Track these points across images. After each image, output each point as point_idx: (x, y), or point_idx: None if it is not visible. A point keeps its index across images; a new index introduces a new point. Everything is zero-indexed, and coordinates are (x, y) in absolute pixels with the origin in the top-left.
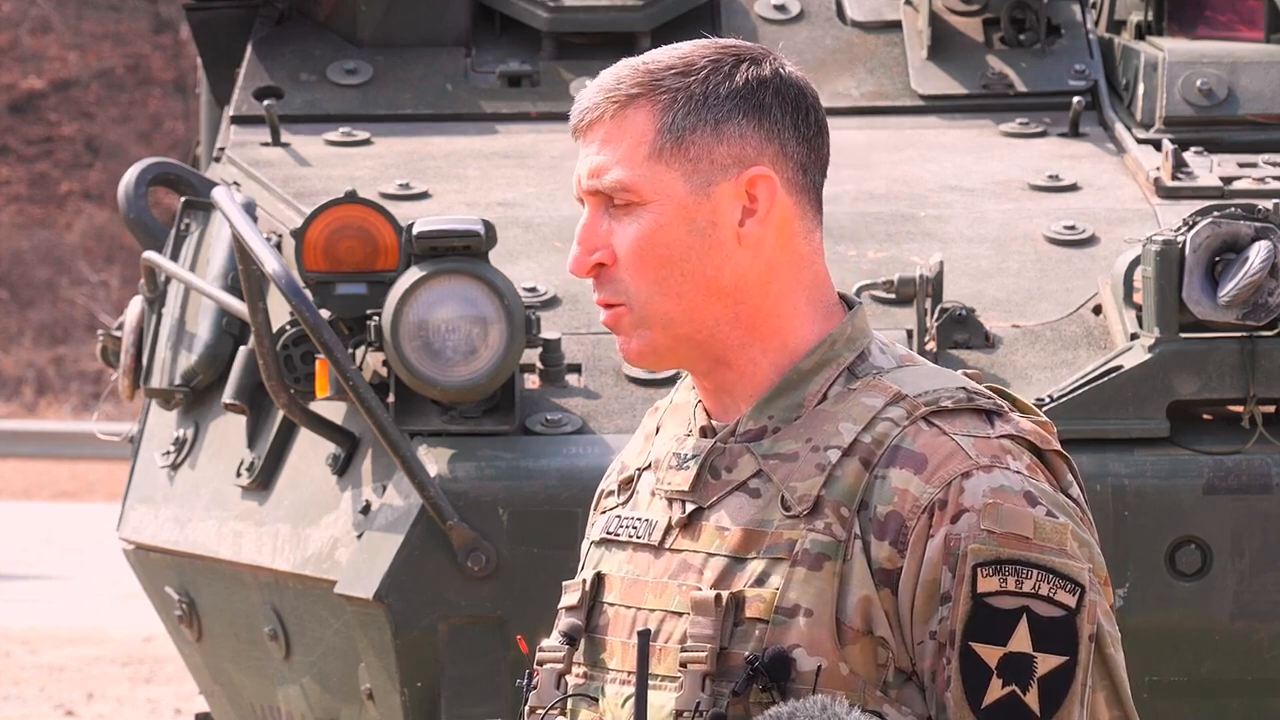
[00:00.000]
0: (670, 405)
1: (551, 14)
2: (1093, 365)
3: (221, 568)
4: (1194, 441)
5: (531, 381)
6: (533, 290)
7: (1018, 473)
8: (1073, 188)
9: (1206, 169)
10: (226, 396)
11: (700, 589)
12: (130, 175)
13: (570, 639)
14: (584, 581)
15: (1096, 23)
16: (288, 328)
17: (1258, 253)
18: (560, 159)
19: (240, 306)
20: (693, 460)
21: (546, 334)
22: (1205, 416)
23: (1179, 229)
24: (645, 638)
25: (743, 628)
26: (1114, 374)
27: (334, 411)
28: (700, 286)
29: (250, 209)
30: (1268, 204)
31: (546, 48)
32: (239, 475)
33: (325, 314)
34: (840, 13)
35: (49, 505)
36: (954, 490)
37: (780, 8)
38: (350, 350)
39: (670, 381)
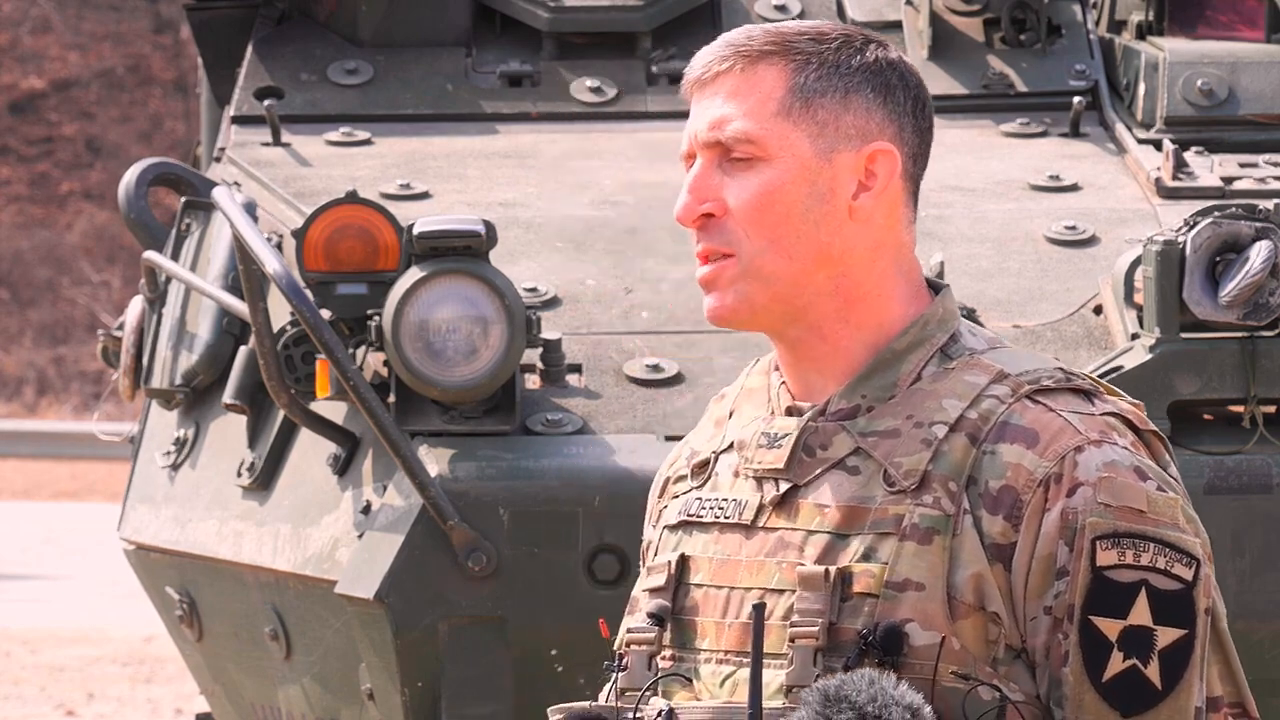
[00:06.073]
0: (741, 390)
1: (552, 14)
2: (1093, 365)
3: (222, 568)
4: (1194, 441)
5: (532, 381)
6: (533, 290)
7: (1125, 449)
8: (1073, 188)
9: (1207, 169)
10: (227, 396)
11: (804, 565)
12: (130, 175)
13: (659, 619)
14: (669, 564)
15: (1097, 23)
16: (288, 328)
17: (1258, 253)
18: (561, 159)
19: (241, 306)
20: (785, 439)
21: (547, 334)
22: (1205, 416)
23: (1180, 229)
24: (760, 611)
25: (850, 603)
26: (1114, 374)
27: (334, 411)
28: (812, 250)
29: (251, 209)
30: (1268, 204)
31: (547, 48)
32: (239, 475)
33: (326, 314)
34: (840, 13)
35: (49, 505)
36: (1068, 464)
37: (781, 8)
38: (351, 350)
39: (669, 382)
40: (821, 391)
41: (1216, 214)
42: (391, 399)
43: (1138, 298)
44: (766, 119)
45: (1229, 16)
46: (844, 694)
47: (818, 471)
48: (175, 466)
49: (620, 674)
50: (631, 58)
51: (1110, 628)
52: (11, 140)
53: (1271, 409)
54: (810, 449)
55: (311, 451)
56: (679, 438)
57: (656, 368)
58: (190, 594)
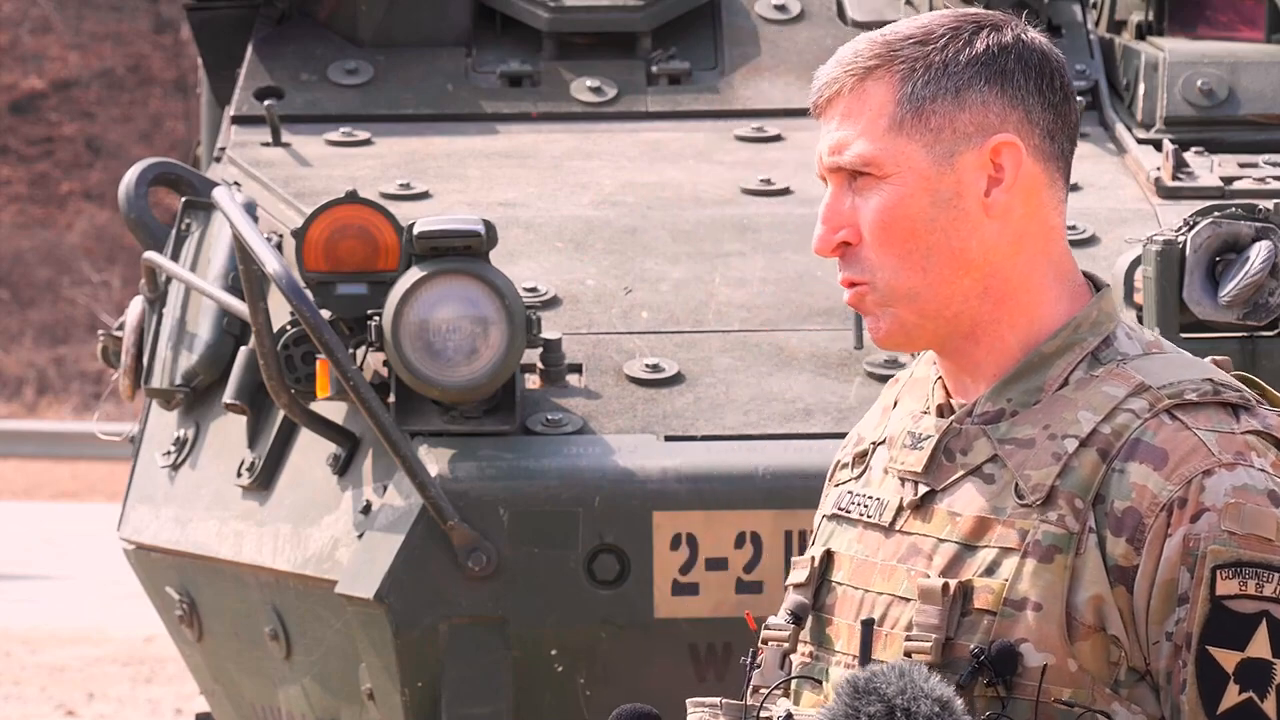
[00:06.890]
0: (910, 379)
1: (552, 14)
2: None
3: (222, 568)
4: None
5: (532, 381)
6: (533, 290)
7: (1262, 470)
8: (1073, 188)
9: (1207, 169)
10: (227, 396)
11: (929, 575)
12: (131, 175)
13: (797, 617)
14: (813, 559)
15: (1097, 23)
16: (288, 328)
17: (1258, 253)
18: (561, 159)
19: (241, 306)
20: (927, 441)
21: (547, 334)
22: None
23: (1180, 229)
24: (869, 628)
25: (970, 618)
26: None
27: (334, 411)
28: (946, 260)
29: (251, 209)
30: (1268, 204)
31: (547, 48)
32: (240, 475)
33: (326, 314)
34: (841, 13)
35: (49, 505)
36: (1194, 488)
37: (781, 8)
38: (351, 350)
39: (669, 382)
40: (973, 391)
41: (1216, 214)
42: (391, 399)
43: (1137, 298)
44: (879, 137)
45: (1229, 16)
46: (874, 686)
47: (955, 476)
48: (175, 466)
49: (755, 670)
50: (631, 58)
51: (1227, 659)
52: (11, 140)
53: None
54: (950, 453)
55: (311, 451)
56: (679, 438)
57: (656, 368)
58: (190, 594)
